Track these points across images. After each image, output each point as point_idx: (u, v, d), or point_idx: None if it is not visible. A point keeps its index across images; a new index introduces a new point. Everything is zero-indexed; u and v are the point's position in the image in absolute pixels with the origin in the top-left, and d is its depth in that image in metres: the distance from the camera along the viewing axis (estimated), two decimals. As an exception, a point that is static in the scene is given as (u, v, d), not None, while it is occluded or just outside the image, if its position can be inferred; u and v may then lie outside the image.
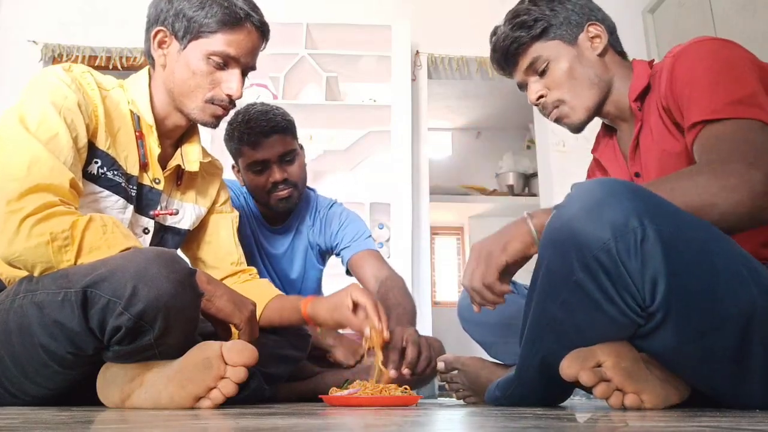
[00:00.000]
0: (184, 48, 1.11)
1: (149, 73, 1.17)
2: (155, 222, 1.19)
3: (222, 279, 1.29)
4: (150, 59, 1.16)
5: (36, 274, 0.91)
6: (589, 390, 0.80)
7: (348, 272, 1.67)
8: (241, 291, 1.20)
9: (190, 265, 0.93)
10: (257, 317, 1.17)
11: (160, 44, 1.13)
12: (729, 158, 0.81)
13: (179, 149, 1.23)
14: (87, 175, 1.05)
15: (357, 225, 1.69)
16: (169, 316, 0.86)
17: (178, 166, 1.21)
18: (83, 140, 1.02)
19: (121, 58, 3.04)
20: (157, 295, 0.84)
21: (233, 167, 1.65)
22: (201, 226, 1.32)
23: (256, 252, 1.66)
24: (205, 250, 1.32)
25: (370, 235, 1.68)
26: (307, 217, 1.71)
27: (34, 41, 3.05)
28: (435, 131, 4.91)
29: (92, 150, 1.05)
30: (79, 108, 1.02)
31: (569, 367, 0.79)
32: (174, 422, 0.59)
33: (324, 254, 1.74)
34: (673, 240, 0.73)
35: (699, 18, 2.70)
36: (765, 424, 0.53)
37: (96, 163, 1.06)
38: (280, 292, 1.31)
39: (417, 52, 3.15)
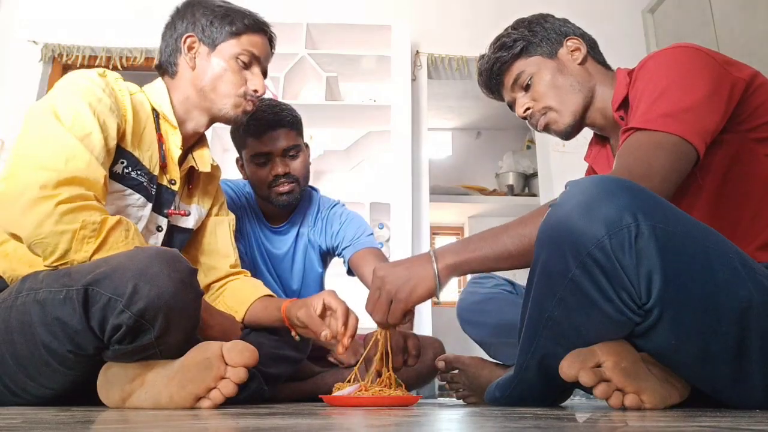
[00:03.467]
0: (213, 51, 1.21)
1: (165, 82, 1.22)
2: (168, 221, 1.22)
3: (218, 280, 1.33)
4: (171, 67, 1.22)
5: (48, 261, 0.92)
6: (589, 390, 0.80)
7: (349, 272, 1.67)
8: (233, 289, 1.30)
9: (190, 264, 0.93)
10: (242, 314, 1.26)
11: (190, 49, 1.21)
12: (619, 172, 0.87)
13: (190, 154, 1.28)
14: (112, 174, 1.08)
15: (358, 224, 1.69)
16: (170, 315, 0.86)
17: (191, 167, 1.26)
18: (113, 142, 1.05)
19: (121, 58, 3.04)
20: (159, 294, 0.84)
21: (237, 160, 1.66)
22: (201, 228, 1.35)
23: (256, 252, 1.65)
24: (204, 252, 1.35)
25: (371, 234, 1.68)
26: (309, 217, 1.71)
27: (34, 41, 3.06)
28: (435, 131, 4.91)
29: (119, 151, 1.09)
30: (111, 111, 1.06)
31: (569, 367, 0.79)
32: (174, 422, 0.59)
33: (325, 255, 1.74)
34: (668, 236, 0.73)
35: (699, 18, 2.70)
36: (765, 424, 0.53)
37: (122, 163, 1.10)
38: (270, 292, 1.33)
39: (417, 52, 3.15)
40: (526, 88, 1.15)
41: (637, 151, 0.89)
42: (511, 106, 1.21)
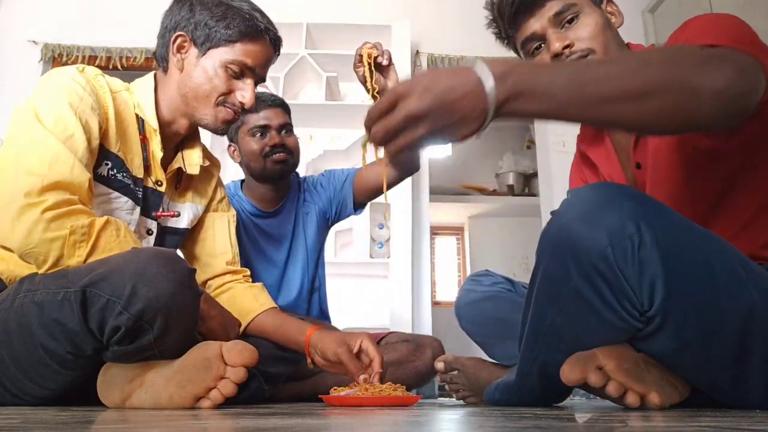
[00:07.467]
0: (203, 54, 1.13)
1: (155, 78, 1.19)
2: (157, 223, 1.20)
3: (215, 277, 1.31)
4: (162, 62, 1.17)
5: (43, 270, 0.91)
6: (590, 391, 0.80)
7: (356, 209, 1.74)
8: (233, 297, 1.27)
9: (189, 265, 0.93)
10: (244, 326, 1.23)
11: (179, 49, 1.15)
12: (716, 57, 0.72)
13: (180, 152, 1.24)
14: (97, 177, 1.06)
15: (341, 169, 1.78)
16: (168, 316, 0.86)
17: (179, 168, 1.23)
18: (95, 142, 1.03)
19: (121, 58, 3.04)
20: (157, 295, 0.84)
21: (229, 147, 1.72)
22: (198, 224, 1.33)
23: (251, 247, 1.69)
24: (201, 248, 1.33)
25: (357, 167, 1.78)
26: (299, 197, 1.77)
27: (34, 41, 3.05)
28: (435, 131, 4.90)
29: (102, 152, 1.06)
30: (93, 110, 1.03)
31: (571, 371, 0.78)
32: (174, 422, 0.59)
33: (326, 221, 1.78)
34: (670, 244, 0.72)
35: (699, 18, 2.69)
36: (765, 424, 0.53)
37: (106, 164, 1.07)
38: (274, 303, 1.31)
39: (417, 52, 3.15)
40: (564, 25, 1.02)
41: (717, 52, 0.73)
42: (531, 38, 1.06)
